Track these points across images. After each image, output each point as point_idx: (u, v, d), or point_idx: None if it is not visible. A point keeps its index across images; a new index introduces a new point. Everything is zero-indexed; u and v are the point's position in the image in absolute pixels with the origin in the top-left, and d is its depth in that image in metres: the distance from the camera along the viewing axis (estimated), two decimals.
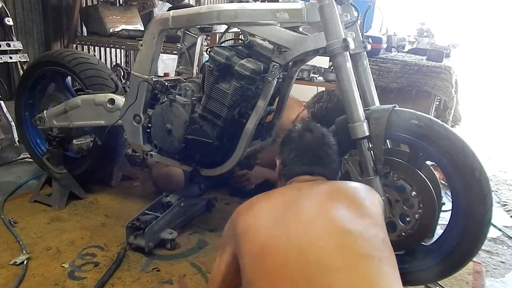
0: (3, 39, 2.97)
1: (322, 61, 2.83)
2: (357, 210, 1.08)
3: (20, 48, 3.04)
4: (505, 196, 2.87)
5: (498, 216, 2.45)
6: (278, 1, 1.85)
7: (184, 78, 2.13)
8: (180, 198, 2.01)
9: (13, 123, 2.72)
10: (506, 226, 2.40)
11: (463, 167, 1.41)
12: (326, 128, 1.43)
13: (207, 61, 1.77)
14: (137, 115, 2.00)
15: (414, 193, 1.50)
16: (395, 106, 1.51)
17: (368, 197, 1.16)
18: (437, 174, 1.60)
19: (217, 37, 3.10)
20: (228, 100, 1.73)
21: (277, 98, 2.05)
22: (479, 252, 1.65)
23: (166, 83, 2.00)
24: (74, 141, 2.36)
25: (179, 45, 2.19)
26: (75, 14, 3.49)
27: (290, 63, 1.77)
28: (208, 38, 3.32)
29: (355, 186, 1.23)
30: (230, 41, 2.10)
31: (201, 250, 1.87)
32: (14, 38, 3.01)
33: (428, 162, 1.57)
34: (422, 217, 1.50)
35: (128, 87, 2.07)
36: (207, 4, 5.09)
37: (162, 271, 1.70)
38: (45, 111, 2.30)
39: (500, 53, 6.21)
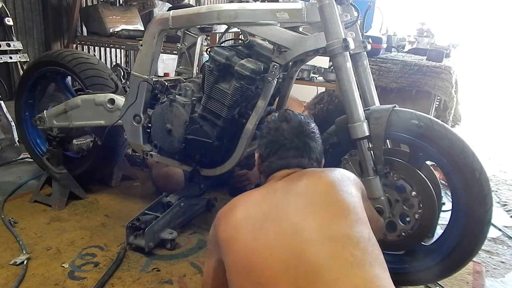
0: (3, 39, 2.97)
1: (322, 61, 2.83)
2: (338, 208, 1.03)
3: (20, 48, 3.04)
4: (505, 196, 2.87)
5: (498, 216, 2.45)
6: (278, 1, 1.85)
7: (184, 78, 2.13)
8: (180, 198, 2.01)
9: (13, 123, 2.72)
10: (506, 226, 2.40)
11: (463, 167, 1.41)
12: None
13: (207, 61, 1.77)
14: (137, 115, 2.00)
15: (414, 193, 1.50)
16: (395, 106, 1.51)
17: (346, 186, 1.09)
18: (437, 174, 1.61)
19: (217, 37, 3.10)
20: (228, 100, 1.73)
21: (277, 98, 2.05)
22: (479, 252, 1.66)
23: (166, 83, 2.00)
24: (74, 141, 2.36)
25: (179, 45, 2.19)
26: (75, 14, 3.49)
27: (290, 63, 1.77)
28: (208, 38, 3.32)
29: (331, 178, 1.12)
30: (230, 41, 2.10)
31: (201, 250, 1.87)
32: (14, 38, 3.02)
33: (428, 162, 1.57)
34: (422, 217, 1.50)
35: (128, 87, 2.07)
36: (207, 4, 5.09)
37: (162, 271, 1.70)
38: (45, 111, 2.31)
39: (500, 53, 6.21)
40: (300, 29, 1.74)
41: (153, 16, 3.11)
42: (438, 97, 2.50)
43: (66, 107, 2.20)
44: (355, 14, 1.60)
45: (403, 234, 1.53)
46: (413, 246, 1.58)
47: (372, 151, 1.51)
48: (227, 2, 2.20)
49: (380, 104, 1.65)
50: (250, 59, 1.70)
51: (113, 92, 2.15)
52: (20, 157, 2.85)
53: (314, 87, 2.89)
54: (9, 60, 2.97)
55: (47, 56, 2.40)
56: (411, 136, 1.47)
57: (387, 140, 1.63)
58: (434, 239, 1.70)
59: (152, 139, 2.00)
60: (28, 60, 3.05)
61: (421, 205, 1.50)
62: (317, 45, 1.58)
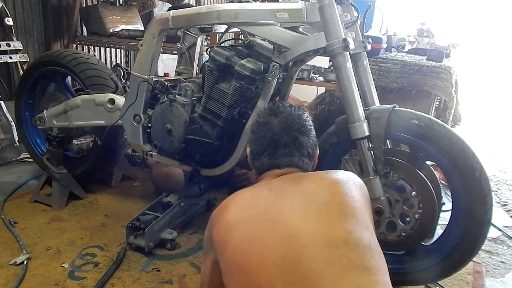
0: (3, 39, 2.97)
1: (322, 61, 2.83)
2: (338, 210, 0.99)
3: (20, 48, 3.04)
4: (505, 196, 2.87)
5: (498, 216, 2.45)
6: (278, 1, 1.85)
7: (184, 78, 2.13)
8: (180, 198, 2.01)
9: (13, 123, 2.72)
10: (506, 226, 2.40)
11: (463, 167, 1.41)
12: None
13: (207, 61, 1.77)
14: (137, 115, 2.00)
15: (414, 193, 1.50)
16: (395, 106, 1.51)
17: (349, 189, 1.05)
18: (437, 174, 1.60)
19: (217, 37, 3.10)
20: (228, 100, 1.73)
21: (277, 98, 2.05)
22: (479, 252, 1.66)
23: (166, 83, 2.00)
24: (74, 141, 2.37)
25: (179, 45, 2.19)
26: (75, 14, 3.49)
27: (290, 63, 1.77)
28: (208, 38, 3.32)
29: (333, 180, 1.08)
30: (230, 41, 2.10)
31: (201, 250, 1.87)
32: (14, 38, 3.02)
33: (428, 162, 1.57)
34: (422, 217, 1.50)
35: (128, 87, 2.07)
36: (207, 4, 5.08)
37: (162, 271, 1.70)
38: (45, 111, 2.31)
39: (500, 53, 6.21)
40: (300, 29, 1.74)
41: (153, 16, 3.11)
42: (438, 97, 2.50)
43: (66, 107, 2.20)
44: (355, 14, 1.60)
45: (403, 234, 1.53)
46: (413, 246, 1.58)
47: (372, 151, 1.50)
48: (227, 2, 2.19)
49: (380, 104, 1.65)
50: (250, 59, 1.71)
51: (113, 92, 2.15)
52: (20, 157, 2.85)
53: (314, 87, 2.89)
54: (9, 60, 2.97)
55: (47, 56, 2.40)
56: (411, 136, 1.47)
57: (387, 140, 1.63)
58: (434, 239, 1.70)
59: (152, 139, 2.00)
60: (28, 60, 3.05)
61: (421, 205, 1.50)
62: (317, 45, 1.58)
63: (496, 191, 2.93)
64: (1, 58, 2.91)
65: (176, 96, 1.89)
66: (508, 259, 2.05)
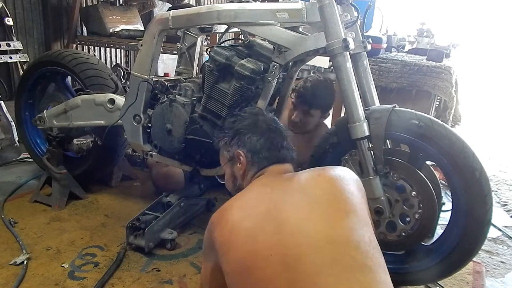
0: (3, 39, 2.97)
1: (322, 61, 2.83)
2: (339, 208, 1.00)
3: (20, 48, 3.04)
4: (505, 196, 2.87)
5: (498, 216, 2.45)
6: (278, 1, 1.85)
7: (184, 78, 2.13)
8: (180, 198, 2.01)
9: (13, 123, 2.72)
10: (506, 226, 2.40)
11: (463, 167, 1.41)
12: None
13: (207, 61, 1.77)
14: (137, 115, 2.00)
15: (414, 193, 1.50)
16: (395, 106, 1.51)
17: (348, 185, 1.06)
18: (437, 174, 1.60)
19: (217, 37, 3.10)
20: (228, 100, 1.73)
21: (277, 98, 2.05)
22: (479, 252, 1.66)
23: (166, 83, 2.00)
24: (74, 141, 2.37)
25: (179, 45, 2.19)
26: (75, 14, 3.50)
27: (290, 63, 1.77)
28: (208, 38, 3.32)
29: (332, 176, 1.09)
30: (230, 41, 2.10)
31: (201, 250, 1.86)
32: (14, 38, 3.02)
33: (428, 162, 1.57)
34: (422, 217, 1.50)
35: (128, 87, 2.07)
36: (207, 4, 5.09)
37: (162, 271, 1.70)
38: (45, 111, 2.31)
39: (500, 53, 6.21)
40: (300, 29, 1.74)
41: (153, 16, 3.11)
42: (438, 97, 2.50)
43: (66, 107, 2.20)
44: (355, 14, 1.59)
45: (403, 234, 1.53)
46: (413, 246, 1.58)
47: (372, 151, 1.50)
48: (227, 2, 2.19)
49: (380, 104, 1.65)
50: (250, 59, 1.70)
51: (113, 92, 2.15)
52: (20, 157, 2.85)
53: None
54: (9, 60, 2.97)
55: (47, 56, 2.40)
56: (411, 136, 1.47)
57: (387, 140, 1.63)
58: (434, 239, 1.70)
59: (152, 139, 2.00)
60: (28, 60, 3.05)
61: (421, 205, 1.50)
62: (317, 45, 1.58)
63: (496, 191, 2.93)
64: (1, 58, 2.91)
65: (176, 96, 1.89)
66: (508, 259, 2.05)
